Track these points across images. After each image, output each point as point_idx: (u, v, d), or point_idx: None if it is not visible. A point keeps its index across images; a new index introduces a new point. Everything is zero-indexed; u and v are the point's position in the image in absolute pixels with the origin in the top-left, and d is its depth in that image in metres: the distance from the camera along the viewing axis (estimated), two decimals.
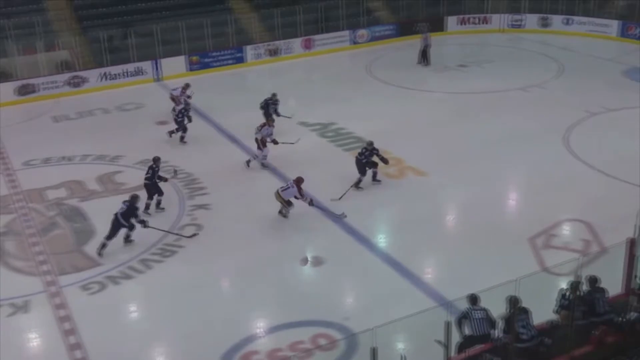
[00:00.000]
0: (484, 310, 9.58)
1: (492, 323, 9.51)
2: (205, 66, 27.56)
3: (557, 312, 9.87)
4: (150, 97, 24.63)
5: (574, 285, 9.72)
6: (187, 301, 12.42)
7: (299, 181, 14.94)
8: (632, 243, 10.22)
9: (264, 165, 17.96)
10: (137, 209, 14.12)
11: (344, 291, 13.06)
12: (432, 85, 25.20)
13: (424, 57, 27.63)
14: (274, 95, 20.55)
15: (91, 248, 14.15)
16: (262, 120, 18.83)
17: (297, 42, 29.35)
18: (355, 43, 30.57)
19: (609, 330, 9.65)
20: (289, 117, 20.41)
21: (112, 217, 13.98)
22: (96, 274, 13.35)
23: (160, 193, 15.77)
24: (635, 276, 10.05)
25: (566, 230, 14.51)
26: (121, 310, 12.58)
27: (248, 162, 18.00)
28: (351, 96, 23.59)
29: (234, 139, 19.99)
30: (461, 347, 9.54)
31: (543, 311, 9.93)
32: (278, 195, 14.97)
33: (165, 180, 15.94)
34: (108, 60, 26.18)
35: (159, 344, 11.73)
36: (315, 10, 30.06)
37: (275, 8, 29.48)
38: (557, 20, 31.53)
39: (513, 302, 9.13)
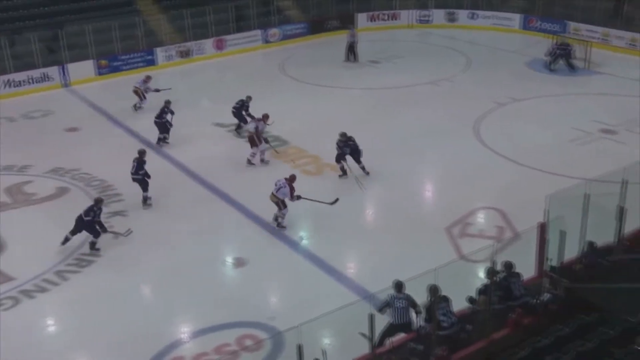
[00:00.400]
0: (406, 299, 9.84)
1: (414, 307, 9.79)
2: (115, 70, 26.88)
3: (470, 300, 10.20)
4: (58, 103, 23.84)
5: (490, 271, 10.05)
6: (107, 311, 12.11)
7: (292, 179, 14.76)
8: (542, 227, 10.61)
9: (264, 162, 18.05)
10: (100, 210, 14.01)
11: (268, 291, 13.04)
12: (346, 81, 25.44)
13: (352, 53, 27.83)
14: (248, 97, 20.05)
15: (2, 263, 13.59)
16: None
17: (208, 43, 29.03)
18: (267, 42, 30.53)
19: (525, 312, 10.00)
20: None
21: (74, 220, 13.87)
22: (9, 288, 12.83)
23: (146, 189, 15.91)
24: (547, 259, 10.42)
25: (480, 218, 14.96)
26: (38, 326, 12.13)
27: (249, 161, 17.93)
28: (265, 95, 23.47)
29: (147, 143, 19.59)
30: (384, 336, 9.75)
31: (462, 298, 10.21)
32: (273, 196, 14.65)
33: (149, 177, 15.90)
34: (11, 67, 25.15)
35: (79, 359, 11.40)
36: (226, 10, 29.79)
37: (185, 9, 29.07)
38: (463, 15, 32.42)
39: (433, 291, 9.34)
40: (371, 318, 8.67)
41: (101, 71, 26.60)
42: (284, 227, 14.67)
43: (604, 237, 11.44)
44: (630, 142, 18.13)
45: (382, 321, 9.64)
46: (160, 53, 27.91)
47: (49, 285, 12.95)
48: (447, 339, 9.42)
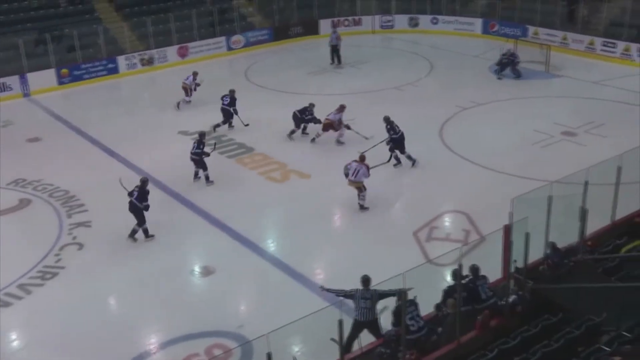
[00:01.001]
0: (371, 299, 10.08)
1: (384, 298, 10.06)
2: (76, 79, 26.55)
3: (437, 307, 10.29)
4: (18, 113, 23.45)
5: (456, 273, 10.18)
6: (73, 324, 11.92)
7: (363, 159, 15.56)
8: (507, 230, 10.74)
9: (340, 142, 19.29)
10: (147, 192, 14.53)
11: (237, 299, 12.96)
12: (311, 88, 25.47)
13: (336, 55, 28.06)
14: (311, 105, 20.25)
15: None
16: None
17: (171, 50, 28.84)
18: (231, 49, 30.45)
19: (492, 314, 10.11)
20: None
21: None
22: None
23: (205, 168, 16.99)
24: (513, 261, 10.54)
25: (447, 222, 15.09)
26: (1, 340, 11.87)
27: (313, 139, 19.46)
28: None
29: (111, 152, 19.38)
30: (351, 334, 9.94)
31: (430, 302, 10.28)
32: (352, 182, 15.34)
33: (208, 155, 16.97)
34: None
35: None
36: (189, 17, 29.67)
37: (147, 16, 28.85)
38: (425, 20, 32.76)
39: (401, 295, 9.38)
40: (340, 324, 8.68)
41: (62, 80, 26.25)
42: (366, 209, 15.39)
43: (568, 238, 11.63)
44: (590, 144, 18.49)
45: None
46: (122, 61, 27.64)
47: (11, 299, 12.70)
48: (416, 343, 9.47)
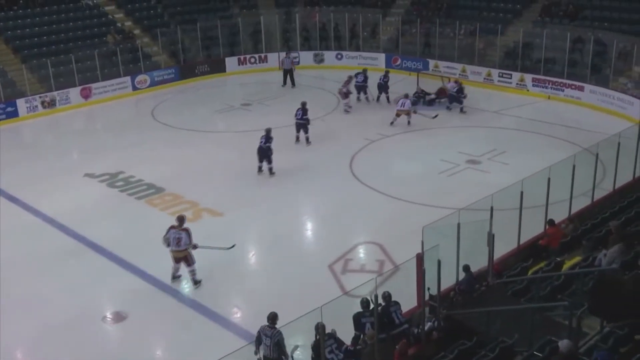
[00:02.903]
0: (270, 338, 10.04)
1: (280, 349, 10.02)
2: None
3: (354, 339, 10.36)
4: None
5: (364, 303, 10.31)
6: None
7: (181, 220, 13.80)
8: (419, 258, 10.96)
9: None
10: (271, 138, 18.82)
11: (152, 344, 12.61)
12: (219, 125, 25.42)
13: (290, 79, 29.73)
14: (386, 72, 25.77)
15: None
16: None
17: (74, 92, 28.09)
18: (136, 89, 29.99)
19: (409, 342, 10.24)
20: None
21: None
22: None
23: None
24: (428, 288, 10.75)
25: (361, 253, 15.25)
26: None
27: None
28: (137, 143, 23.06)
29: (11, 198, 18.61)
30: None
31: (348, 334, 10.31)
32: (177, 252, 13.64)
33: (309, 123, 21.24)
34: None
35: None
36: (91, 58, 29.08)
37: (47, 58, 28.09)
38: (330, 55, 33.40)
39: (319, 329, 9.37)
40: None
41: None
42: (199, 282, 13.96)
43: (478, 262, 11.99)
44: (493, 171, 19.21)
45: None
46: (22, 104, 26.70)
47: None
48: None
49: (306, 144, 22.02)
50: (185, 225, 13.90)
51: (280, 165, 20.15)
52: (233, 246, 14.65)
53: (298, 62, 31.80)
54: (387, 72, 27.26)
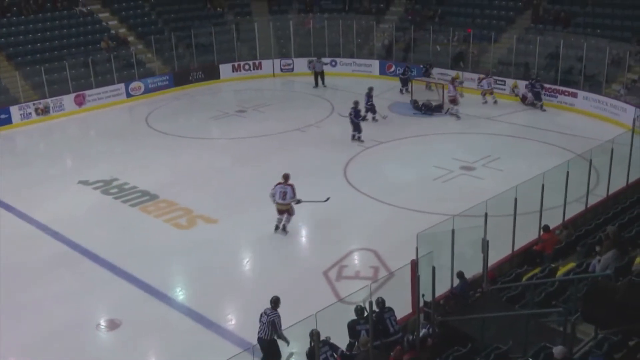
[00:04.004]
0: (269, 316, 10.82)
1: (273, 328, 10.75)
2: None
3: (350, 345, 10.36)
4: None
5: (359, 310, 10.29)
6: None
7: (287, 177, 16.14)
8: (414, 265, 10.96)
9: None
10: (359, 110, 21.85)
11: (146, 352, 12.57)
12: (213, 132, 25.42)
13: (321, 79, 30.89)
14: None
15: None
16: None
17: (68, 99, 28.04)
18: (130, 96, 29.96)
19: (404, 349, 10.23)
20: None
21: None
22: None
23: (360, 130, 22.17)
24: (423, 295, 10.75)
25: (356, 259, 15.23)
26: None
27: None
28: (131, 150, 23.03)
29: (6, 206, 18.54)
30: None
31: (343, 341, 10.30)
32: (281, 205, 15.89)
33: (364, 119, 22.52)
34: None
35: None
36: (85, 65, 29.08)
37: (41, 64, 28.06)
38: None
39: (314, 336, 9.36)
40: None
41: None
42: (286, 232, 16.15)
43: (473, 268, 11.99)
44: (487, 177, 19.25)
45: None
46: (16, 111, 26.64)
47: None
48: None
49: (358, 142, 22.65)
50: (290, 181, 16.09)
51: (274, 171, 20.14)
52: (328, 199, 16.65)
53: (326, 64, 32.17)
54: (370, 92, 25.04)
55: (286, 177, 16.19)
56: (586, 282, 9.82)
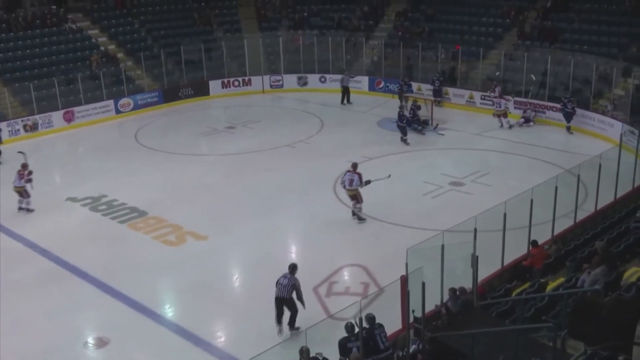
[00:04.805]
0: (290, 280, 12.50)
1: (296, 292, 12.49)
2: None
3: None
4: None
5: (349, 327, 10.25)
6: None
7: (355, 166, 17.66)
8: (404, 280, 10.95)
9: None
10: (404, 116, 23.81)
11: None
12: (202, 148, 25.39)
13: (347, 96, 30.64)
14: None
15: None
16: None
17: (57, 115, 27.97)
18: (119, 112, 29.92)
19: None
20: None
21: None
22: None
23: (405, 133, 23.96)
24: (413, 310, 10.73)
25: (346, 275, 15.20)
26: None
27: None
28: (120, 166, 22.97)
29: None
30: (277, 316, 12.50)
31: (333, 358, 10.25)
32: (349, 191, 17.44)
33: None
34: None
35: None
36: (74, 81, 29.04)
37: (29, 81, 28.01)
38: (313, 78, 33.55)
39: (304, 353, 9.33)
40: None
41: None
42: (364, 220, 17.54)
43: (463, 284, 11.97)
44: (477, 192, 19.29)
45: None
46: (4, 128, 26.51)
47: None
48: None
49: (405, 144, 24.11)
50: (358, 170, 17.62)
51: (264, 187, 20.17)
52: (389, 176, 18.25)
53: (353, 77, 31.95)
54: (414, 104, 26.49)
55: (355, 165, 17.79)
56: (575, 297, 9.84)
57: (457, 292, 11.50)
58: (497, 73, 28.71)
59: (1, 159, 22.52)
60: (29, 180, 19.13)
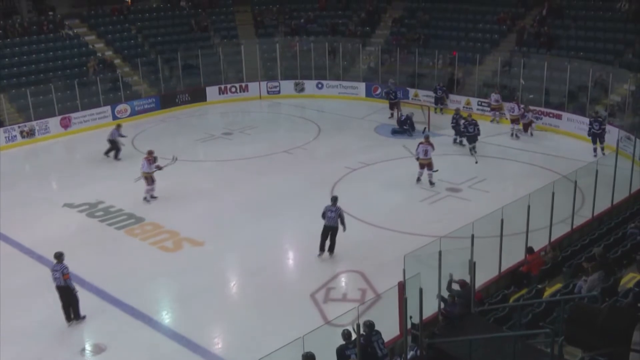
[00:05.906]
0: (336, 211, 15.59)
1: (341, 219, 15.62)
2: None
3: None
4: None
5: (346, 334, 10.23)
6: None
7: (427, 138, 20.58)
8: (401, 286, 10.94)
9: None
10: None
11: None
12: (199, 154, 25.37)
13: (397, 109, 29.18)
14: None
15: None
16: None
17: (54, 121, 27.97)
18: (116, 118, 29.86)
19: None
20: None
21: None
22: None
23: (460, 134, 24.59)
24: (410, 317, 10.72)
25: (343, 282, 15.19)
26: None
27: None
28: (117, 172, 22.93)
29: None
30: (322, 236, 15.81)
31: None
32: (423, 160, 20.30)
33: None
34: None
35: None
36: (71, 87, 29.02)
37: (26, 87, 27.99)
38: (310, 85, 33.57)
39: (307, 358, 9.30)
40: None
41: None
42: (433, 184, 20.29)
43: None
44: (474, 199, 19.32)
45: None
46: (1, 134, 26.52)
47: None
48: None
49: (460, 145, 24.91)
50: (431, 141, 20.45)
51: (261, 193, 20.17)
52: (437, 170, 20.54)
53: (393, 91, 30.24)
54: (457, 112, 25.82)
55: (427, 137, 20.80)
56: (572, 303, 9.84)
57: (458, 286, 11.54)
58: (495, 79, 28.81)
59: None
60: (158, 167, 20.27)
